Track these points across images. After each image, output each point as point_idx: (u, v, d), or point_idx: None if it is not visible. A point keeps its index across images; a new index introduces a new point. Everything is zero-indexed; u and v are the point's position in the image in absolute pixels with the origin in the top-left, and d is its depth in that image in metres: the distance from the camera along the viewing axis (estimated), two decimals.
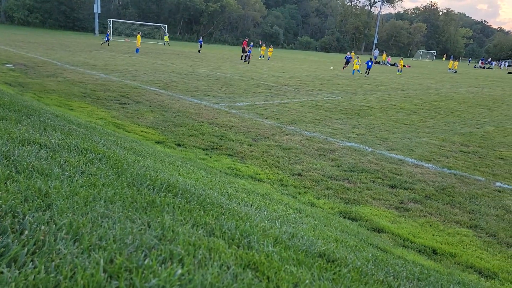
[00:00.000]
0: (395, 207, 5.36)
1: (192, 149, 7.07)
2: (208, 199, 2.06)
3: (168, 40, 48.47)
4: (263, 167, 6.46)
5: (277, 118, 10.47)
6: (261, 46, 40.00)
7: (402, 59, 35.37)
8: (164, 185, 2.05)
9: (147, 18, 61.10)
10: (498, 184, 6.60)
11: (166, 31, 52.98)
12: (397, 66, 32.68)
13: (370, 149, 8.14)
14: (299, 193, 5.49)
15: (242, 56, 33.01)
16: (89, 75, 14.80)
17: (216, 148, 7.29)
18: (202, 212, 1.75)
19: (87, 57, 21.78)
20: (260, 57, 37.03)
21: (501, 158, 8.29)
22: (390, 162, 7.35)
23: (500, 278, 3.78)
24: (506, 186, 6.52)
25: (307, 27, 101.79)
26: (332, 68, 22.60)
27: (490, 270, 3.92)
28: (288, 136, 8.69)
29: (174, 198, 1.88)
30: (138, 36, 30.21)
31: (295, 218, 2.76)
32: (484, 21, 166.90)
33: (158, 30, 52.61)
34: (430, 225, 4.86)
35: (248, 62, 29.05)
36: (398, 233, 4.51)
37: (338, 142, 8.55)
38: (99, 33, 53.14)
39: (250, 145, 7.68)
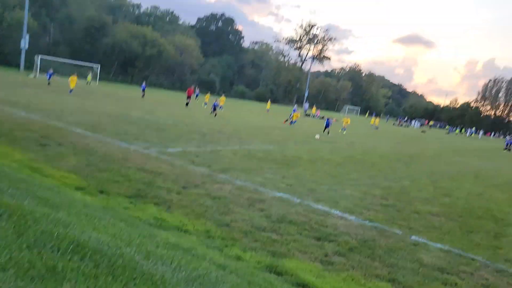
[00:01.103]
0: (320, 260, 5.43)
1: (116, 197, 6.69)
2: (120, 259, 1.91)
3: (90, 80, 46.84)
4: (191, 217, 6.27)
5: (209, 166, 10.39)
6: (206, 94, 40.59)
7: (348, 117, 35.36)
8: (72, 245, 1.88)
9: (80, 58, 59.24)
10: (413, 237, 7.00)
11: (98, 71, 51.60)
12: (332, 120, 30.41)
13: (299, 200, 8.31)
14: (226, 246, 5.37)
15: (187, 103, 33.01)
16: (8, 113, 13.75)
17: (142, 196, 6.97)
18: (110, 278, 1.61)
19: (8, 94, 20.35)
20: (204, 104, 36.90)
21: (416, 212, 8.88)
22: (316, 214, 7.53)
23: None
24: (420, 239, 6.94)
25: (243, 77, 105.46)
26: (318, 136, 22.06)
27: None
28: (218, 184, 8.62)
29: (81, 261, 1.72)
30: (74, 77, 28.65)
31: (216, 277, 2.65)
32: (401, 84, 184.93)
33: (90, 69, 51.03)
34: (352, 279, 4.96)
35: (215, 114, 27.29)
36: None
37: (268, 192, 8.64)
38: (24, 69, 50.30)
39: (179, 193, 7.48)
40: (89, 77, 46.84)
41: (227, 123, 23.65)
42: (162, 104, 32.55)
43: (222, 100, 36.26)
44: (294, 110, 34.08)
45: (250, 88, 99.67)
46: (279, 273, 4.76)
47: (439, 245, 6.74)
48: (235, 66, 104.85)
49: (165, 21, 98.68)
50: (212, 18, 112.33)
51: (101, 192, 6.86)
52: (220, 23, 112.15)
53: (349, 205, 8.55)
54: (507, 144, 45.92)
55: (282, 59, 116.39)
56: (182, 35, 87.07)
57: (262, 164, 11.84)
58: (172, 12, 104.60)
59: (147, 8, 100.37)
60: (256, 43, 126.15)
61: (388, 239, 6.71)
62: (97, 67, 52.25)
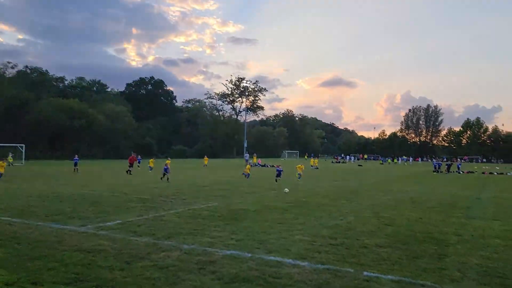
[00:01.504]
0: None
1: (52, 287, 6.10)
2: None
3: (12, 160, 43.81)
4: None
5: (153, 234, 9.93)
6: (150, 159, 40.04)
7: (301, 164, 32.65)
8: None
9: (2, 139, 55.55)
10: (365, 273, 7.09)
11: (23, 151, 48.57)
12: (281, 168, 28.55)
13: (250, 255, 8.14)
14: None
15: (128, 170, 32.00)
16: None
17: (82, 280, 6.42)
18: None
19: None
20: (149, 169, 36.06)
21: (364, 247, 9.06)
22: (269, 266, 7.40)
23: None
24: (372, 274, 7.04)
25: (180, 136, 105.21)
26: (287, 190, 20.72)
27: None
28: (165, 252, 8.22)
29: None
30: (2, 162, 26.62)
31: None
32: (332, 123, 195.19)
33: (14, 150, 47.87)
34: None
35: (168, 179, 25.97)
36: None
37: (217, 251, 8.38)
38: None
39: (122, 270, 6.99)
40: (10, 157, 43.62)
41: (168, 185, 23.09)
42: (97, 175, 31.17)
43: (167, 163, 35.78)
44: (246, 159, 34.26)
45: (189, 146, 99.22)
46: None
47: (390, 277, 6.88)
48: (171, 127, 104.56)
49: (92, 90, 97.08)
50: (141, 82, 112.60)
51: (35, 283, 6.23)
52: (150, 86, 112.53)
53: (301, 251, 8.53)
54: (435, 167, 49.55)
55: (217, 114, 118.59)
56: (112, 102, 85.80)
57: (209, 223, 11.56)
58: (99, 81, 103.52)
59: (72, 80, 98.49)
60: (189, 101, 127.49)
61: (342, 279, 6.72)
62: (21, 146, 49.18)
